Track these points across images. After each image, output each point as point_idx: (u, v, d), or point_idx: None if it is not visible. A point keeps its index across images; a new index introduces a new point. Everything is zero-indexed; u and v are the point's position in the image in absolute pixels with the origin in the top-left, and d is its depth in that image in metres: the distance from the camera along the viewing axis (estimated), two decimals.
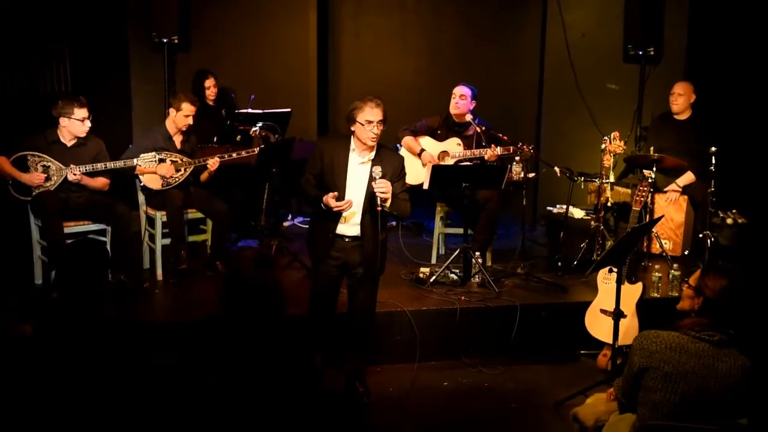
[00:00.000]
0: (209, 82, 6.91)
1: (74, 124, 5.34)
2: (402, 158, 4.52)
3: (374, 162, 4.28)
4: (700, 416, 2.92)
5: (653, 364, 2.96)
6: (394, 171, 4.35)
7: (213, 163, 5.71)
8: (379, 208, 4.18)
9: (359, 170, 4.33)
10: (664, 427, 2.93)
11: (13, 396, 3.00)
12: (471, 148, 6.01)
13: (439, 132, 6.19)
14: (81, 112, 5.33)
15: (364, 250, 4.35)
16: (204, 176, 5.82)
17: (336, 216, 4.32)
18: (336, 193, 4.25)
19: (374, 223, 4.26)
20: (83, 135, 5.41)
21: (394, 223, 6.99)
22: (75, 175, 5.31)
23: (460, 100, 6.02)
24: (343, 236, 4.38)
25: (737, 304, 3.05)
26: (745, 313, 3.07)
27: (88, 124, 5.38)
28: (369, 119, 4.18)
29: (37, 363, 3.11)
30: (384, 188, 4.17)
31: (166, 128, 5.74)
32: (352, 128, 4.27)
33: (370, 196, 4.25)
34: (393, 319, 5.09)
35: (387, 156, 4.38)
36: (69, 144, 5.42)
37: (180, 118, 5.67)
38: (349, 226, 4.36)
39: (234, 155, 5.80)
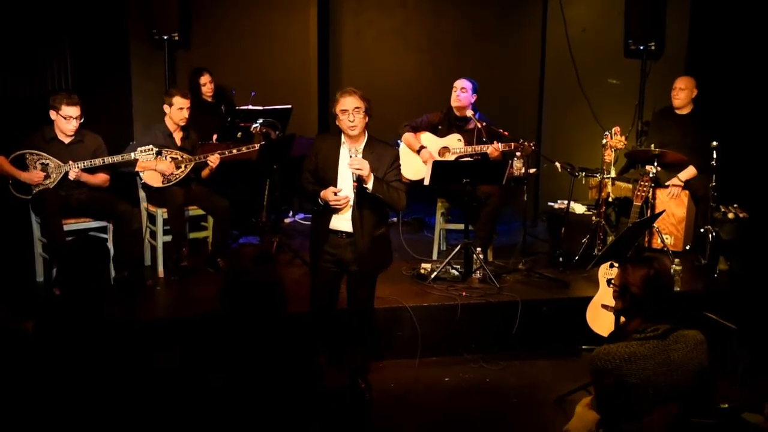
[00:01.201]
0: (204, 79, 6.90)
1: (60, 120, 5.32)
2: (395, 151, 4.50)
3: (363, 153, 4.30)
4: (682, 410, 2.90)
5: (617, 380, 2.90)
6: (387, 163, 4.35)
7: (214, 159, 5.72)
8: (355, 183, 4.22)
9: None
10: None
11: (14, 394, 3.00)
12: (472, 143, 6.01)
13: (440, 127, 6.19)
14: (68, 110, 5.28)
15: (356, 246, 4.35)
16: (205, 173, 5.83)
17: (330, 211, 4.34)
18: (340, 188, 4.27)
19: (369, 218, 4.29)
20: (70, 133, 5.36)
21: (395, 219, 7.00)
22: (75, 171, 5.31)
23: (461, 93, 6.03)
24: (337, 232, 4.38)
25: (662, 290, 2.99)
26: (672, 296, 3.02)
27: (74, 123, 5.32)
28: (343, 108, 4.22)
29: (39, 360, 3.12)
30: (357, 165, 4.17)
31: (166, 125, 5.75)
32: (337, 123, 4.31)
33: (361, 191, 4.26)
34: (394, 315, 5.09)
35: (379, 149, 4.38)
36: (67, 141, 5.42)
37: (175, 112, 5.68)
38: (342, 221, 4.36)
39: (234, 151, 5.81)
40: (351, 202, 4.31)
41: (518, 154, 5.79)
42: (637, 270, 2.98)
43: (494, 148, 5.80)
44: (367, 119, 4.28)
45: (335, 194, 4.25)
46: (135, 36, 7.18)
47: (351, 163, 4.20)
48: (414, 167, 6.15)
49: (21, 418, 2.94)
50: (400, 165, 4.45)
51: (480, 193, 5.89)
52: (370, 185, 4.21)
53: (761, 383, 4.42)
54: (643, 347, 2.90)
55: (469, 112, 6.01)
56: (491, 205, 5.87)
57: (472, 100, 6.05)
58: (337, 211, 4.32)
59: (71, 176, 5.31)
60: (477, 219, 5.88)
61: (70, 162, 5.32)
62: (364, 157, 4.26)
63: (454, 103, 6.10)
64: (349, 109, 4.21)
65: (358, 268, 4.38)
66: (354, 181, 4.22)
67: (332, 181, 4.31)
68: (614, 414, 2.99)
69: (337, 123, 4.31)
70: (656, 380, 2.87)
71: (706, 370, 2.92)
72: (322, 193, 4.27)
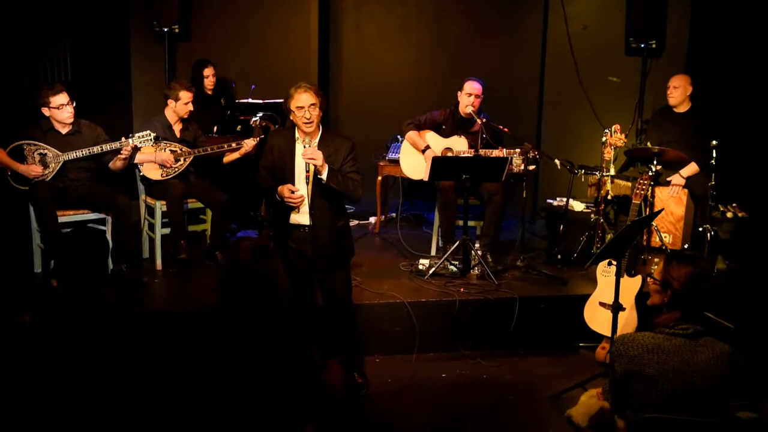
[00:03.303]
0: (208, 71, 6.91)
1: (54, 112, 5.31)
2: (351, 143, 4.46)
3: (319, 147, 4.30)
4: (688, 410, 2.91)
5: (634, 368, 2.94)
6: (343, 154, 4.36)
7: (249, 143, 5.72)
8: (308, 174, 4.23)
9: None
10: (661, 421, 2.92)
11: (12, 386, 2.99)
12: (476, 143, 5.98)
13: (443, 126, 6.15)
14: (56, 99, 5.28)
15: (316, 241, 4.35)
16: (233, 157, 5.84)
17: (289, 207, 4.36)
18: (297, 188, 4.28)
19: (327, 211, 4.31)
20: (69, 121, 5.36)
21: (393, 214, 7.00)
22: (127, 150, 5.28)
23: (476, 100, 5.96)
24: (297, 226, 4.40)
25: (704, 289, 3.05)
26: (714, 297, 3.06)
27: (69, 109, 5.32)
28: (299, 105, 4.24)
29: (36, 352, 3.11)
30: (311, 154, 4.18)
31: (165, 117, 5.75)
32: (291, 118, 4.31)
33: (317, 182, 4.26)
34: (392, 311, 5.10)
35: (335, 141, 4.39)
36: (64, 132, 5.40)
37: (180, 107, 5.69)
38: (300, 215, 4.38)
39: (233, 145, 5.81)
40: (307, 198, 4.32)
41: (517, 151, 5.79)
42: (682, 267, 3.04)
43: (498, 153, 5.77)
44: (321, 114, 4.30)
45: (292, 192, 4.26)
46: (135, 28, 7.18)
47: (305, 153, 4.20)
48: (415, 165, 6.14)
49: (19, 409, 2.93)
50: (355, 156, 4.44)
51: (483, 191, 5.88)
52: (324, 176, 4.21)
53: (759, 382, 4.42)
54: (669, 342, 2.94)
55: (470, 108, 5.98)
56: (496, 202, 5.86)
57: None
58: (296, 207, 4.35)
59: (124, 155, 5.27)
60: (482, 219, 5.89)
61: (67, 154, 5.30)
62: (319, 150, 4.27)
63: (467, 109, 5.98)
64: (305, 106, 4.23)
65: (321, 261, 4.38)
66: (306, 171, 4.23)
67: (289, 178, 4.33)
68: (624, 401, 3.04)
69: (291, 118, 4.31)
70: (673, 377, 2.90)
71: (723, 381, 2.92)
72: (279, 189, 4.29)
